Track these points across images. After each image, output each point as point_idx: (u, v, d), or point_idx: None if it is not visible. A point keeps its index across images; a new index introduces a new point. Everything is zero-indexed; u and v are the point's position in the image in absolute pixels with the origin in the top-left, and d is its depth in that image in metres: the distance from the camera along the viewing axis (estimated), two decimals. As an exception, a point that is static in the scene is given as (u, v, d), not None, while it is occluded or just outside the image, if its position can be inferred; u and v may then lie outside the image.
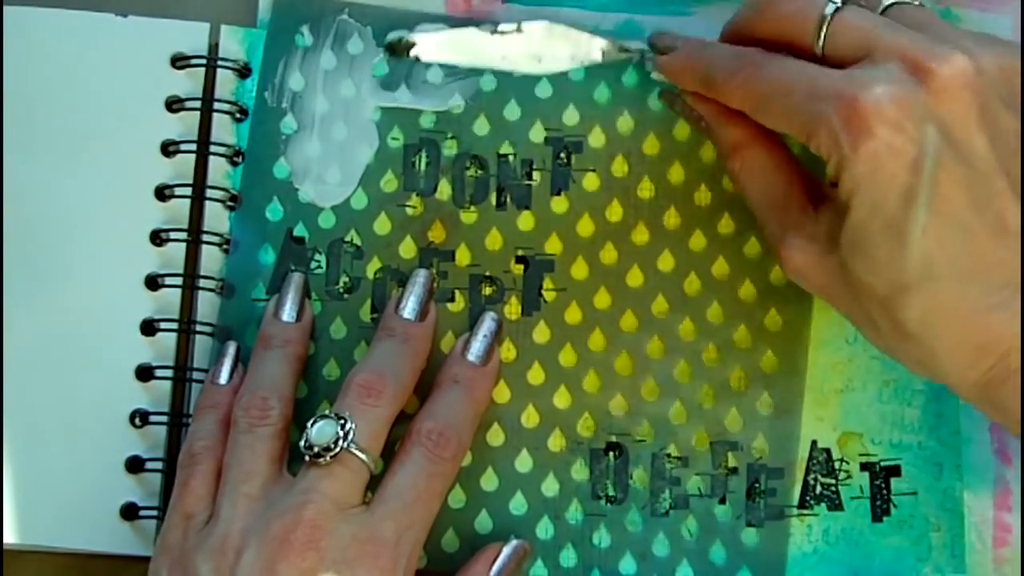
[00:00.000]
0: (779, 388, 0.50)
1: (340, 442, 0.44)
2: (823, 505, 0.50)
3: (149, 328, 0.50)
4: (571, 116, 0.52)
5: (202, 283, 0.51)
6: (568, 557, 0.49)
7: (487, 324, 0.50)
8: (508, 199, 0.51)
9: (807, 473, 0.50)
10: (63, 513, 0.49)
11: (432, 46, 0.47)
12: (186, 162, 0.51)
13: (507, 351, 0.50)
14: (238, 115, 0.52)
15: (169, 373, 0.50)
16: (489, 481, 0.50)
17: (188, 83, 0.51)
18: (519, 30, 0.48)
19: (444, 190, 0.51)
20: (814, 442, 0.50)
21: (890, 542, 0.49)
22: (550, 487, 0.50)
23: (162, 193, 0.51)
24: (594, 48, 0.49)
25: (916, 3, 0.44)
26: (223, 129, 0.52)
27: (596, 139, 0.51)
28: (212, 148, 0.51)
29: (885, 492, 0.50)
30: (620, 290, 0.51)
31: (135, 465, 0.50)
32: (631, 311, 0.50)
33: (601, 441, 0.50)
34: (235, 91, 0.52)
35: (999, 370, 0.40)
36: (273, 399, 0.46)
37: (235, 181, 0.51)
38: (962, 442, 0.50)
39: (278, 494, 0.44)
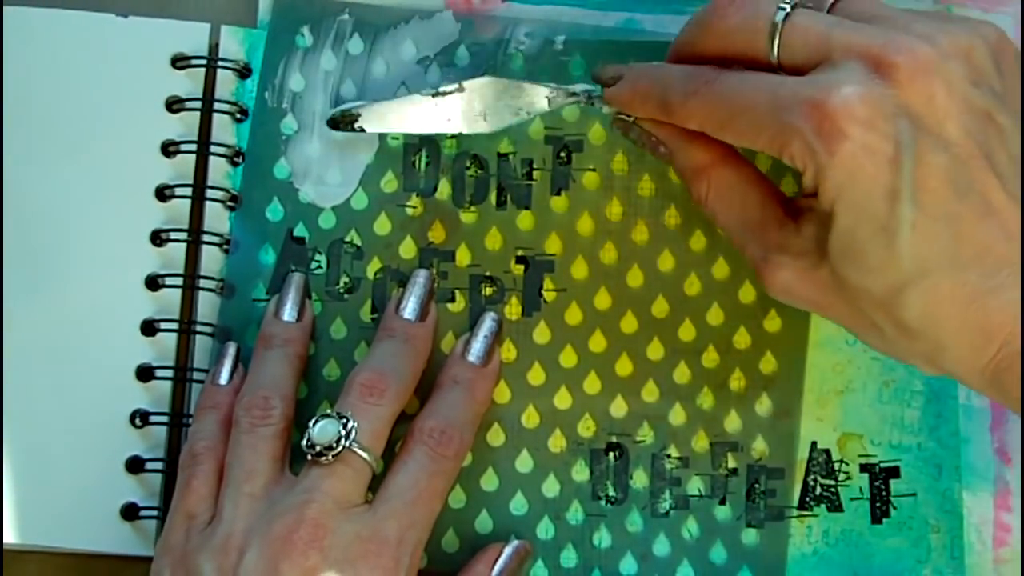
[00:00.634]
0: (779, 389, 0.50)
1: (342, 441, 0.44)
2: (823, 506, 0.50)
3: (149, 328, 0.50)
4: (571, 112, 0.51)
5: (202, 283, 0.51)
6: (569, 557, 0.49)
7: (487, 324, 0.50)
8: (508, 199, 0.51)
9: (807, 474, 0.50)
10: (63, 513, 0.49)
11: (375, 118, 0.49)
12: (186, 162, 0.51)
13: (507, 351, 0.50)
14: (238, 115, 0.52)
15: (169, 373, 0.50)
16: (489, 481, 0.50)
17: (188, 83, 0.51)
18: (460, 89, 0.49)
19: (444, 190, 0.51)
20: (814, 443, 0.50)
21: (890, 543, 0.49)
22: (551, 487, 0.50)
23: (162, 193, 0.51)
24: (539, 97, 0.49)
25: None
26: (223, 129, 0.52)
27: (596, 136, 0.51)
28: (212, 148, 0.51)
29: (885, 493, 0.50)
30: (620, 290, 0.51)
31: (135, 465, 0.50)
32: (631, 312, 0.50)
33: (601, 442, 0.50)
34: (235, 91, 0.52)
35: (1005, 355, 0.40)
36: (275, 399, 0.46)
37: (235, 181, 0.51)
38: (961, 442, 0.50)
39: (280, 493, 0.44)
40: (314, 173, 0.51)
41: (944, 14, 0.42)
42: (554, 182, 0.51)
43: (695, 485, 0.50)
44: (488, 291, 0.51)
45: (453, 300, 0.51)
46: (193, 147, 0.51)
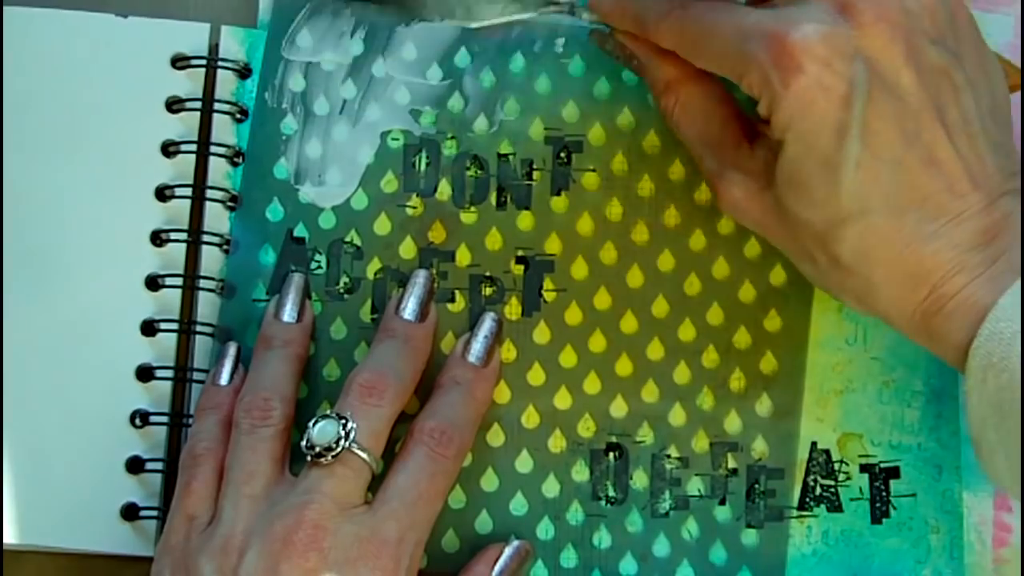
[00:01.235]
0: (779, 389, 0.50)
1: (342, 441, 0.44)
2: (823, 506, 0.50)
3: (149, 328, 0.50)
4: (571, 112, 0.52)
5: (202, 283, 0.51)
6: (569, 558, 0.49)
7: (487, 325, 0.50)
8: (508, 199, 0.51)
9: (807, 474, 0.50)
10: (63, 513, 0.49)
11: None
12: (186, 162, 0.51)
13: (507, 351, 0.50)
14: (238, 116, 0.52)
15: (169, 373, 0.50)
16: (489, 481, 0.50)
17: (188, 83, 0.51)
18: None
19: (444, 190, 0.51)
20: (814, 443, 0.50)
21: (889, 544, 0.49)
22: (550, 488, 0.50)
23: (162, 193, 0.51)
24: (528, 3, 0.50)
25: None
26: (223, 129, 0.52)
27: (596, 136, 0.51)
28: (212, 149, 0.51)
29: (884, 494, 0.50)
30: (620, 290, 0.51)
31: (135, 465, 0.50)
32: (631, 312, 0.50)
33: (601, 442, 0.50)
34: (235, 92, 0.52)
35: (933, 299, 0.41)
36: (275, 399, 0.46)
37: (235, 182, 0.51)
38: (962, 443, 0.50)
39: (280, 494, 0.44)
40: (314, 173, 0.51)
41: None
42: (554, 182, 0.51)
43: (695, 485, 0.50)
44: (488, 291, 0.51)
45: (453, 300, 0.51)
46: (193, 147, 0.51)
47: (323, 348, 0.50)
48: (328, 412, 0.45)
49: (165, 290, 0.51)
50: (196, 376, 0.50)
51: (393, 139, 0.52)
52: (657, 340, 0.50)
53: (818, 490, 0.50)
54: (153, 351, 0.50)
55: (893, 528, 0.49)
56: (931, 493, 0.50)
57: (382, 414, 0.45)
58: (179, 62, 0.51)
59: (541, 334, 0.50)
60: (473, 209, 0.51)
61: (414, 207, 0.51)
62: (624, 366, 0.50)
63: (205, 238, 0.51)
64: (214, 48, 0.52)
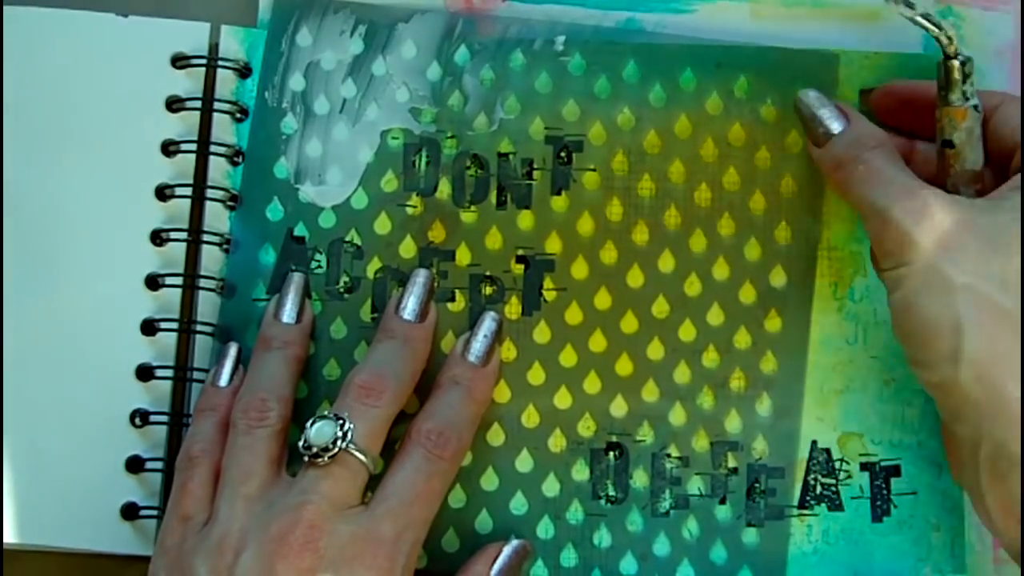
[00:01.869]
0: (779, 389, 0.50)
1: (339, 442, 0.44)
2: (823, 505, 0.50)
3: (149, 328, 0.50)
4: (571, 111, 0.52)
5: (202, 283, 0.51)
6: (569, 557, 0.49)
7: (487, 324, 0.50)
8: (508, 198, 0.51)
9: (807, 473, 0.50)
10: (63, 513, 0.49)
11: None
12: (186, 162, 0.51)
13: (507, 351, 0.50)
14: (238, 115, 0.52)
15: (169, 373, 0.50)
16: (489, 481, 0.50)
17: (188, 83, 0.51)
18: None
19: (444, 190, 0.51)
20: (814, 442, 0.50)
21: (890, 542, 0.49)
22: (551, 487, 0.50)
23: (162, 193, 0.51)
24: None
25: None
26: (223, 129, 0.52)
27: (596, 135, 0.51)
28: (212, 148, 0.51)
29: (885, 492, 0.50)
30: (620, 290, 0.51)
31: (135, 465, 0.50)
32: (631, 312, 0.50)
33: (601, 441, 0.50)
34: (235, 91, 0.52)
35: None
36: (272, 400, 0.46)
37: (235, 181, 0.51)
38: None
39: (277, 495, 0.44)
40: (314, 172, 0.51)
41: None
42: (554, 182, 0.51)
43: (695, 485, 0.50)
44: (488, 291, 0.51)
45: (453, 300, 0.51)
46: (193, 147, 0.51)
47: (323, 348, 0.50)
48: (326, 413, 0.45)
49: (165, 289, 0.51)
50: (196, 376, 0.50)
51: (393, 138, 0.52)
52: (657, 340, 0.50)
53: (819, 489, 0.50)
54: (153, 350, 0.50)
55: (894, 526, 0.49)
56: (932, 491, 0.50)
57: (380, 415, 0.45)
58: (179, 61, 0.51)
59: (541, 334, 0.50)
60: (473, 208, 0.51)
61: (414, 206, 0.51)
62: (624, 366, 0.50)
63: (205, 237, 0.51)
64: (214, 47, 0.52)
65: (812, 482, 0.50)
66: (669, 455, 0.50)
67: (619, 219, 0.51)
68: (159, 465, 0.50)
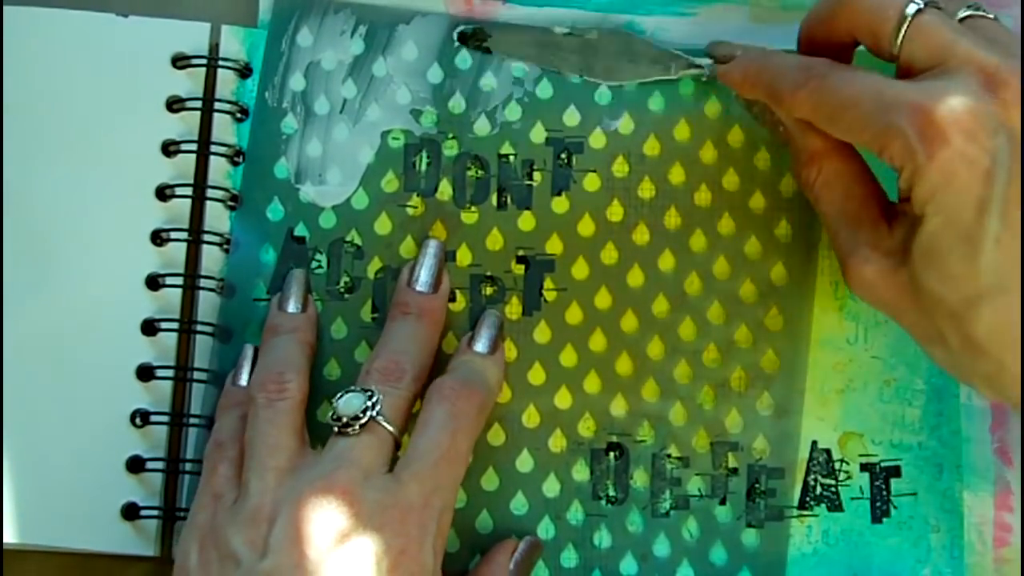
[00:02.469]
0: (779, 388, 0.50)
1: (368, 411, 0.44)
2: (823, 506, 0.50)
3: (150, 328, 0.50)
4: (571, 117, 0.52)
5: (203, 283, 0.51)
6: (569, 557, 0.49)
7: (489, 319, 0.50)
8: (509, 199, 0.51)
9: (807, 474, 0.50)
10: (63, 513, 0.49)
11: (504, 41, 0.51)
12: (187, 162, 0.51)
13: (508, 351, 0.50)
14: (239, 115, 0.52)
15: (170, 373, 0.50)
16: (490, 481, 0.50)
17: (189, 83, 0.51)
18: (592, 35, 0.51)
19: (445, 190, 0.51)
20: (814, 442, 0.50)
21: (890, 543, 0.49)
22: (551, 487, 0.50)
23: (163, 193, 0.51)
24: (663, 61, 0.50)
25: (992, 17, 0.44)
26: (224, 129, 0.52)
27: (596, 140, 0.51)
28: (213, 148, 0.51)
29: (885, 493, 0.50)
30: (621, 290, 0.51)
31: (136, 465, 0.50)
32: (631, 311, 0.50)
33: (602, 441, 0.50)
34: (236, 91, 0.52)
35: None
36: (288, 373, 0.47)
37: (236, 181, 0.52)
38: (962, 442, 0.50)
39: (306, 465, 0.44)
40: (314, 173, 0.51)
41: None
42: (555, 183, 0.51)
43: (695, 485, 0.50)
44: (489, 291, 0.51)
45: (454, 300, 0.51)
46: (193, 147, 0.51)
47: (323, 348, 0.50)
48: (353, 387, 0.45)
49: (165, 289, 0.51)
50: (197, 376, 0.50)
51: (394, 139, 0.52)
52: (657, 339, 0.50)
53: (818, 489, 0.50)
54: (153, 350, 0.50)
55: (893, 527, 0.49)
56: (932, 492, 0.50)
57: (402, 394, 0.46)
58: (179, 61, 0.51)
59: (541, 333, 0.50)
60: (474, 209, 0.51)
61: (415, 207, 0.51)
62: (624, 365, 0.50)
63: (205, 237, 0.51)
64: (214, 47, 0.52)
65: (812, 483, 0.50)
66: (669, 455, 0.50)
67: (619, 220, 0.51)
68: (159, 465, 0.50)
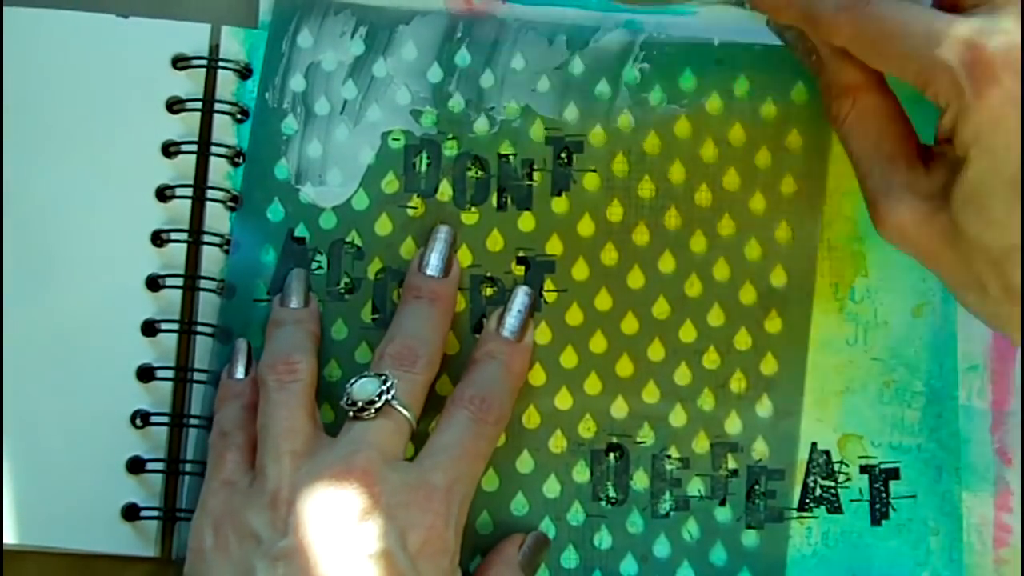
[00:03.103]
0: (779, 390, 0.50)
1: (383, 395, 0.44)
2: (823, 508, 0.50)
3: (150, 329, 0.50)
4: (571, 112, 0.51)
5: (203, 284, 0.51)
6: (569, 558, 0.50)
7: (520, 299, 0.50)
8: (509, 200, 0.51)
9: (807, 475, 0.50)
10: (63, 513, 0.49)
11: None
12: (187, 163, 0.51)
13: (508, 351, 0.50)
14: (239, 116, 0.52)
15: (170, 374, 0.50)
16: (490, 481, 0.50)
17: (189, 84, 0.51)
18: None
19: (445, 191, 0.51)
20: (814, 444, 0.50)
21: (889, 546, 0.49)
22: (551, 488, 0.50)
23: (163, 194, 0.51)
24: None
25: None
26: (224, 130, 0.52)
27: (596, 137, 0.51)
28: (213, 149, 0.51)
29: (884, 495, 0.50)
30: (621, 291, 0.51)
31: (136, 466, 0.50)
32: (632, 313, 0.50)
33: (602, 442, 0.50)
34: (236, 92, 0.52)
35: None
36: (297, 354, 0.47)
37: (236, 182, 0.51)
38: (962, 443, 0.50)
39: (324, 448, 0.44)
40: (315, 173, 0.51)
41: None
42: (555, 183, 0.51)
43: (695, 486, 0.50)
44: (489, 291, 0.51)
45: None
46: (194, 148, 0.51)
47: (324, 349, 0.50)
48: (367, 373, 0.45)
49: (166, 290, 0.50)
50: (197, 376, 0.50)
51: (394, 139, 0.51)
52: (658, 341, 0.50)
53: (818, 491, 0.50)
54: (154, 351, 0.50)
55: (893, 530, 0.49)
56: (931, 495, 0.50)
57: (417, 379, 0.46)
58: (180, 62, 0.51)
59: (542, 334, 0.50)
60: (474, 210, 0.51)
61: (415, 208, 0.51)
62: (625, 367, 0.50)
63: (206, 238, 0.51)
64: (215, 48, 0.52)
65: (812, 484, 0.50)
66: (669, 456, 0.50)
67: (619, 220, 0.51)
68: (160, 466, 0.50)
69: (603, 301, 0.51)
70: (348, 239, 0.51)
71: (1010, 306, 0.41)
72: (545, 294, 0.51)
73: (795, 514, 0.50)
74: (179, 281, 0.51)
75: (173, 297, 0.51)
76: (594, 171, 0.51)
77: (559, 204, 0.51)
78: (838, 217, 0.51)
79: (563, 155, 0.51)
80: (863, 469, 0.50)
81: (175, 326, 0.50)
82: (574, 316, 0.51)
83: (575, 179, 0.51)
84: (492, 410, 0.46)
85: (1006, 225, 0.39)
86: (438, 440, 0.45)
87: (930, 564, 0.49)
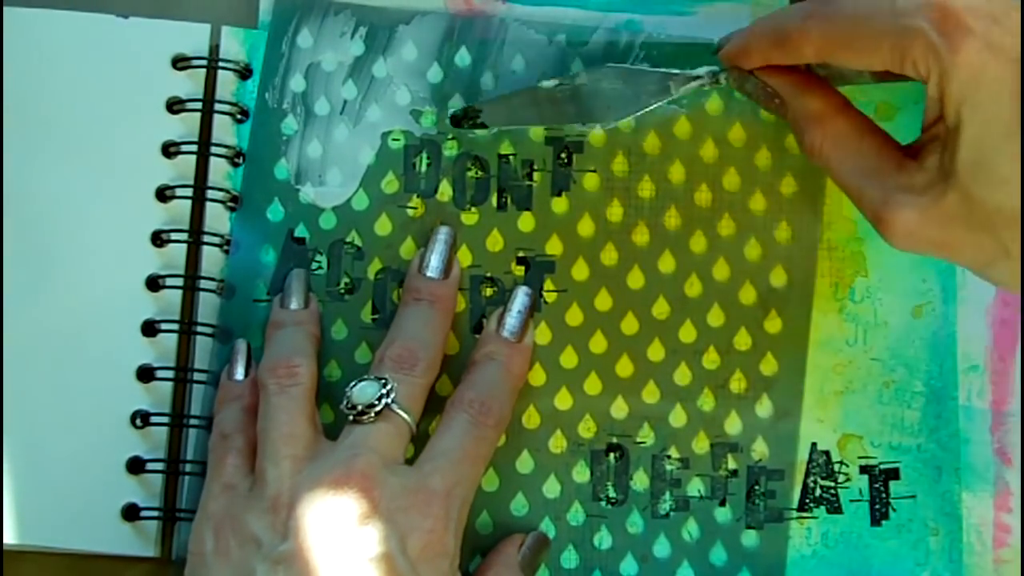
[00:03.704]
0: (779, 390, 0.50)
1: (383, 399, 0.44)
2: (822, 508, 0.50)
3: (150, 329, 0.50)
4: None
5: (203, 284, 0.51)
6: (569, 558, 0.50)
7: (520, 299, 0.50)
8: (509, 200, 0.51)
9: (807, 475, 0.50)
10: (63, 513, 0.49)
11: (497, 113, 0.50)
12: (187, 163, 0.51)
13: (508, 352, 0.50)
14: (239, 116, 0.52)
15: (170, 374, 0.50)
16: (490, 482, 0.50)
17: (189, 84, 0.51)
18: (581, 80, 0.49)
19: (445, 191, 0.51)
20: (814, 444, 0.50)
21: (889, 546, 0.49)
22: (551, 488, 0.50)
23: (163, 194, 0.51)
24: (662, 84, 0.49)
25: None
26: (224, 130, 0.52)
27: (596, 138, 0.51)
28: (213, 149, 0.51)
29: (884, 495, 0.50)
30: (621, 291, 0.51)
31: (136, 466, 0.50)
32: (632, 313, 0.50)
33: (602, 443, 0.50)
34: (236, 92, 0.52)
35: None
36: (297, 357, 0.47)
37: (236, 182, 0.51)
38: (961, 443, 0.50)
39: (323, 453, 0.44)
40: (315, 174, 0.51)
41: None
42: (554, 183, 0.51)
43: (695, 486, 0.50)
44: (489, 292, 0.51)
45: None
46: (194, 148, 0.51)
47: (324, 349, 0.50)
48: (366, 376, 0.45)
49: (166, 290, 0.51)
50: (197, 376, 0.50)
51: (394, 140, 0.51)
52: (658, 341, 0.50)
53: (818, 491, 0.50)
54: (154, 351, 0.50)
55: (892, 530, 0.49)
56: (931, 495, 0.50)
57: (417, 382, 0.46)
58: (180, 63, 0.51)
59: (542, 335, 0.51)
60: (474, 210, 0.51)
61: (415, 208, 0.51)
62: (624, 367, 0.50)
63: (205, 238, 0.51)
64: (215, 49, 0.52)
65: (811, 484, 0.50)
66: (669, 456, 0.50)
67: (619, 220, 0.51)
68: (160, 466, 0.50)
69: (603, 301, 0.51)
70: (348, 239, 0.51)
71: None
72: (545, 294, 0.51)
73: (795, 514, 0.50)
74: (179, 281, 0.51)
75: (173, 297, 0.51)
76: (594, 171, 0.51)
77: (559, 204, 0.51)
78: (838, 217, 0.51)
79: (563, 155, 0.51)
80: (863, 469, 0.50)
81: (175, 326, 0.50)
82: (574, 316, 0.51)
83: (575, 179, 0.51)
84: (492, 413, 0.46)
85: (1014, 179, 0.39)
86: (438, 444, 0.45)
87: (930, 564, 0.49)
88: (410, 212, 0.51)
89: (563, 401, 0.50)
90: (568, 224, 0.51)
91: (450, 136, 0.51)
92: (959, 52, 0.38)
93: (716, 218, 0.51)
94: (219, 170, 0.51)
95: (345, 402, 0.45)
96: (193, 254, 0.51)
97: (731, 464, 0.50)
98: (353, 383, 0.45)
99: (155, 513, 0.49)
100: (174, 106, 0.51)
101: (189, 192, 0.51)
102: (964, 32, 0.38)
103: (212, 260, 0.51)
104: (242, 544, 0.43)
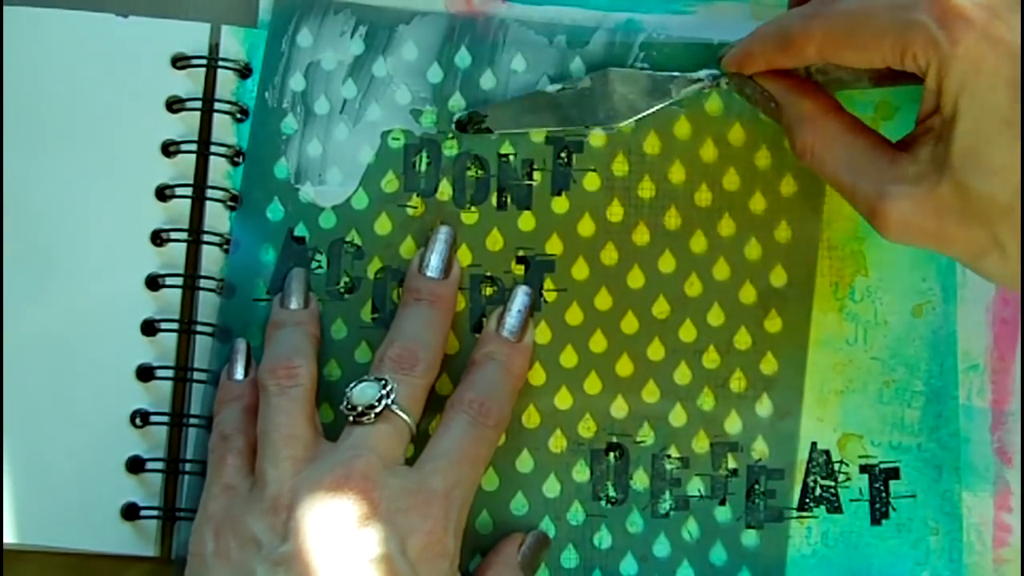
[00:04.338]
0: (779, 390, 0.50)
1: (383, 400, 0.44)
2: (822, 507, 0.50)
3: (150, 328, 0.50)
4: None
5: (203, 283, 0.51)
6: (569, 558, 0.50)
7: (520, 299, 0.50)
8: (509, 199, 0.51)
9: (807, 475, 0.50)
10: (63, 513, 0.49)
11: (502, 118, 0.51)
12: (187, 162, 0.51)
13: (508, 351, 0.50)
14: (239, 115, 0.52)
15: (170, 373, 0.50)
16: (490, 481, 0.50)
17: (189, 83, 0.51)
18: (587, 83, 0.50)
19: (445, 190, 0.51)
20: (814, 444, 0.50)
21: (889, 545, 0.49)
22: (551, 488, 0.50)
23: (163, 193, 0.51)
24: (665, 86, 0.50)
25: None
26: (224, 129, 0.52)
27: (596, 138, 0.51)
28: (213, 148, 0.51)
29: (884, 495, 0.50)
30: (621, 291, 0.51)
31: (136, 465, 0.50)
32: (632, 312, 0.50)
33: (602, 442, 0.50)
34: (236, 91, 0.52)
35: None
36: (297, 358, 0.47)
37: (235, 181, 0.51)
38: (961, 443, 0.50)
39: (324, 453, 0.44)
40: (314, 173, 0.51)
41: None
42: (554, 183, 0.51)
43: (695, 486, 0.50)
44: (489, 291, 0.51)
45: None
46: (193, 147, 0.51)
47: (324, 348, 0.50)
48: (366, 377, 0.45)
49: (165, 290, 0.50)
50: (196, 376, 0.50)
51: (394, 139, 0.51)
52: (658, 340, 0.50)
53: (818, 491, 0.50)
54: (153, 351, 0.50)
55: (892, 529, 0.49)
56: (931, 494, 0.50)
57: (417, 382, 0.46)
58: (179, 62, 0.51)
59: (542, 334, 0.50)
60: (474, 209, 0.51)
61: (415, 207, 0.51)
62: (624, 366, 0.50)
63: (205, 238, 0.51)
64: (214, 48, 0.52)
65: (811, 484, 0.50)
66: (669, 456, 0.50)
67: (619, 220, 0.51)
68: (159, 466, 0.50)
69: (603, 301, 0.51)
70: (348, 238, 0.51)
71: None
72: (545, 294, 0.51)
73: (795, 514, 0.50)
74: (179, 280, 0.51)
75: (173, 296, 0.51)
76: (594, 171, 0.51)
77: (559, 204, 0.51)
78: (838, 217, 0.51)
79: (563, 155, 0.51)
80: (863, 469, 0.50)
81: (175, 325, 0.50)
82: (574, 316, 0.51)
83: (575, 179, 0.51)
84: (492, 414, 0.46)
85: (1009, 168, 0.39)
86: (438, 444, 0.45)
87: (930, 564, 0.49)
88: (410, 211, 0.51)
89: (563, 400, 0.50)
90: (568, 224, 0.51)
91: (450, 135, 0.51)
92: (959, 43, 0.39)
93: (716, 218, 0.51)
94: (219, 169, 0.51)
95: (345, 403, 0.45)
96: (193, 253, 0.51)
97: (731, 463, 0.50)
98: (353, 384, 0.45)
99: (155, 513, 0.49)
100: (174, 105, 0.51)
101: (189, 191, 0.51)
102: (964, 24, 0.39)
103: (212, 259, 0.51)
104: (242, 545, 0.43)
